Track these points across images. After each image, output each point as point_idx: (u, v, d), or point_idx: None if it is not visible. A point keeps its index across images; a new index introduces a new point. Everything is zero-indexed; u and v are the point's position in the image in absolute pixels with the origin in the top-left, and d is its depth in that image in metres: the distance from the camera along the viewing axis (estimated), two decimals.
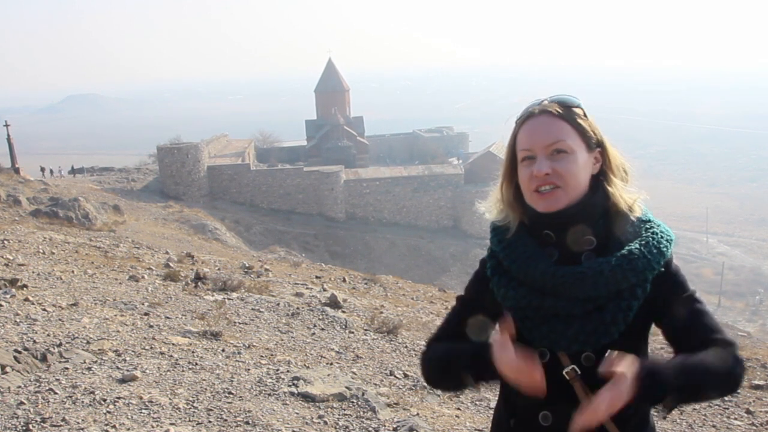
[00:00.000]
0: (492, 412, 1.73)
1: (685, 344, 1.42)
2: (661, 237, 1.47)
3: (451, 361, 1.55)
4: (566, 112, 1.47)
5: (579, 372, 1.43)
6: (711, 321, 1.45)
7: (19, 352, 4.39)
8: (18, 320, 5.32)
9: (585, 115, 1.50)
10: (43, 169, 39.49)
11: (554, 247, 1.49)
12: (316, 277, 13.07)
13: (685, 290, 1.48)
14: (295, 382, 4.58)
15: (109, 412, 3.68)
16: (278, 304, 7.79)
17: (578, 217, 1.46)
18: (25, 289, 6.56)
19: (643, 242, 1.44)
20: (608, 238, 1.47)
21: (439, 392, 5.35)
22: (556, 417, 1.47)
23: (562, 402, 1.44)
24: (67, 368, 4.33)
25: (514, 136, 1.52)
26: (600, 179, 1.50)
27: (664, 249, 1.45)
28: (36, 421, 3.49)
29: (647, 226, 1.49)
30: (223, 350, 5.29)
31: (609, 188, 1.49)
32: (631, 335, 1.44)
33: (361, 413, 4.24)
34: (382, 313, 8.79)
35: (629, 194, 1.52)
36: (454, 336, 1.63)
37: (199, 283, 8.48)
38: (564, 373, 1.44)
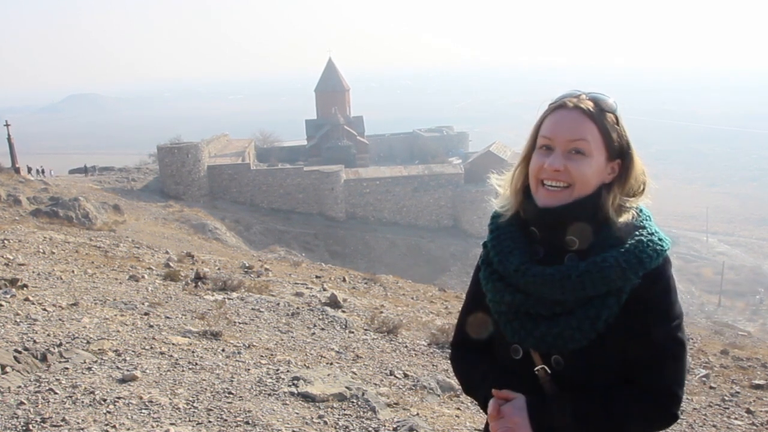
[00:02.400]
0: None
1: (634, 378, 1.40)
2: (646, 246, 1.38)
3: (471, 393, 1.64)
4: (598, 113, 1.42)
5: (549, 372, 1.43)
6: (673, 370, 1.39)
7: (20, 352, 4.38)
8: (18, 320, 5.32)
9: (617, 122, 1.45)
10: (30, 169, 37.29)
11: (540, 244, 1.48)
12: (316, 277, 13.07)
13: (664, 319, 1.39)
14: (295, 382, 4.58)
15: (109, 412, 3.67)
16: (278, 304, 7.78)
17: (564, 217, 1.43)
18: (25, 288, 6.56)
19: (622, 250, 1.38)
20: (593, 241, 1.43)
21: (439, 392, 5.36)
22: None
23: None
24: (67, 368, 4.33)
25: (541, 121, 1.48)
26: (606, 187, 1.45)
27: (646, 259, 1.37)
28: (36, 421, 3.49)
29: (635, 234, 1.41)
30: (223, 350, 5.29)
31: (606, 196, 1.43)
32: (605, 344, 1.39)
33: (361, 413, 4.24)
34: (382, 312, 8.78)
35: (627, 200, 1.46)
36: (467, 336, 1.67)
37: (199, 283, 8.47)
38: (535, 371, 1.44)
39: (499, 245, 1.51)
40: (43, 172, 40.00)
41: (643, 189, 1.49)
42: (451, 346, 1.76)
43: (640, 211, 1.47)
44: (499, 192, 1.60)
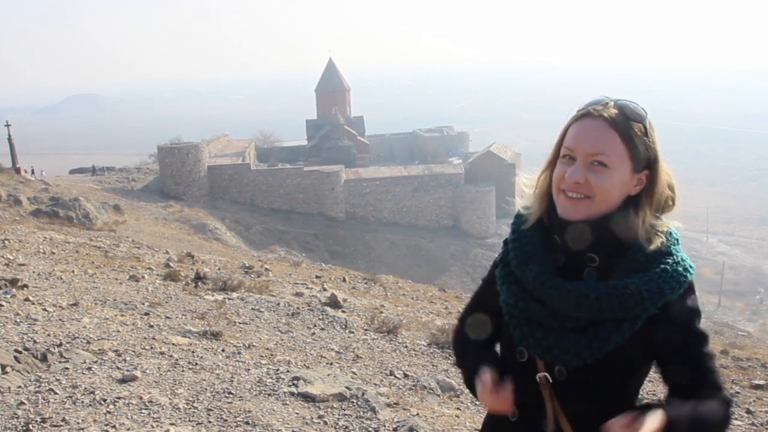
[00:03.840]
0: None
1: (685, 394, 1.39)
2: (670, 277, 1.36)
3: (461, 371, 1.68)
4: (623, 123, 1.38)
5: (551, 380, 1.43)
6: (716, 378, 1.41)
7: (20, 352, 4.39)
8: (18, 320, 5.32)
9: (646, 132, 1.40)
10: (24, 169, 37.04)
11: (561, 253, 1.46)
12: (316, 277, 13.07)
13: (692, 340, 1.41)
14: (295, 382, 4.58)
15: (109, 412, 3.68)
16: (278, 304, 7.79)
17: (587, 232, 1.40)
18: (25, 289, 6.56)
19: (645, 278, 1.36)
20: (615, 261, 1.40)
21: (439, 392, 5.36)
22: (523, 415, 1.49)
23: (532, 403, 1.46)
24: (67, 368, 4.33)
25: (566, 129, 1.46)
26: (633, 201, 1.42)
27: (668, 290, 1.36)
28: (36, 421, 3.49)
29: (662, 260, 1.39)
30: (223, 350, 5.29)
31: (633, 214, 1.41)
32: (610, 363, 1.39)
33: (361, 413, 4.24)
34: (382, 312, 8.78)
35: (658, 223, 1.43)
36: (476, 312, 1.70)
37: (199, 283, 8.47)
38: (537, 377, 1.44)
39: (520, 248, 1.50)
40: (33, 172, 39.74)
41: (672, 203, 1.46)
42: (459, 320, 1.76)
43: (670, 234, 1.44)
44: (525, 192, 1.57)
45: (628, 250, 1.41)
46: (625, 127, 1.38)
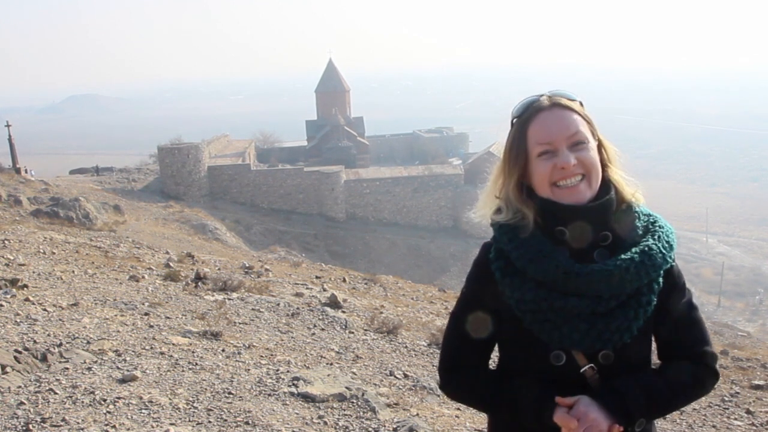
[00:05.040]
0: None
1: (673, 351, 1.51)
2: (670, 232, 1.50)
3: (502, 410, 1.55)
4: (573, 105, 1.49)
5: (596, 369, 1.44)
6: (701, 332, 1.51)
7: (20, 352, 4.39)
8: (18, 320, 5.32)
9: (582, 107, 1.52)
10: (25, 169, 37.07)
11: (565, 244, 1.47)
12: (316, 277, 13.07)
13: (684, 294, 1.51)
14: (295, 382, 4.58)
15: (109, 412, 3.68)
16: (278, 304, 7.79)
17: (595, 212, 1.45)
18: (25, 289, 6.56)
19: (656, 236, 1.46)
20: (620, 233, 1.47)
21: (439, 392, 5.35)
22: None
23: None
24: (67, 368, 4.33)
25: (524, 132, 1.48)
26: (604, 170, 1.51)
27: (673, 242, 1.49)
28: (36, 421, 3.49)
29: (652, 220, 1.51)
30: (223, 350, 5.30)
31: (614, 178, 1.50)
32: (644, 331, 1.46)
33: (361, 413, 4.24)
34: (382, 313, 8.78)
35: (629, 184, 1.53)
36: (461, 358, 1.64)
37: (199, 283, 8.47)
38: (582, 371, 1.44)
39: (528, 253, 1.46)
40: (26, 171, 39.55)
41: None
42: (441, 371, 1.69)
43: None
44: (483, 212, 1.59)
45: (626, 218, 1.49)
46: (576, 107, 1.49)
